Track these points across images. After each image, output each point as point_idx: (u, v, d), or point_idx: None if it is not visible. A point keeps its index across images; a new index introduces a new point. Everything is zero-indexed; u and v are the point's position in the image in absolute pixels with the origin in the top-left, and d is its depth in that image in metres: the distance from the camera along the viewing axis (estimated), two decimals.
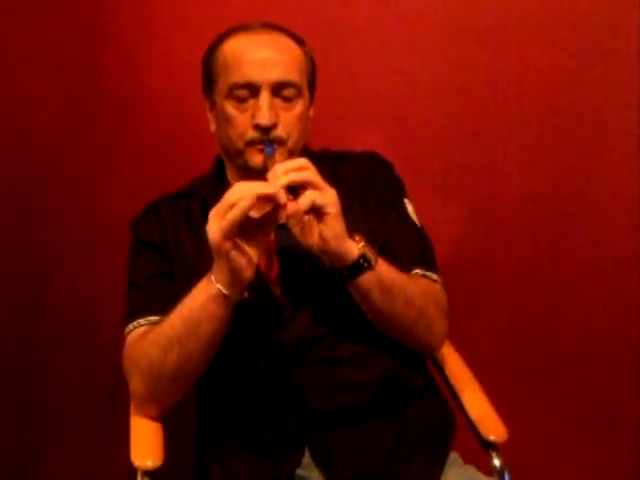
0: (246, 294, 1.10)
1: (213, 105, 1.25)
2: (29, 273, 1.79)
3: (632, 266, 1.70)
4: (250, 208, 1.01)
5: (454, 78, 1.68)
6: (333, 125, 1.60)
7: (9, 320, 1.80)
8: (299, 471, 1.17)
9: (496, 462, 1.22)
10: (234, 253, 1.03)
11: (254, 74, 1.16)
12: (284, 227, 1.04)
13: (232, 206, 1.00)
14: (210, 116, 1.27)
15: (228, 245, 1.02)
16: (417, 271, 1.24)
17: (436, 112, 1.70)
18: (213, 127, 1.26)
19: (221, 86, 1.21)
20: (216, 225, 1.01)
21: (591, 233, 1.72)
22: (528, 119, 1.69)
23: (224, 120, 1.20)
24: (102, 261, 1.74)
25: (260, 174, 1.10)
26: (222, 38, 1.23)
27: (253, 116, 1.17)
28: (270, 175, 1.05)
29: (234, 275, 1.05)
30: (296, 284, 1.20)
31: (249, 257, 1.05)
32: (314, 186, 1.05)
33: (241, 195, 1.00)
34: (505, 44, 1.67)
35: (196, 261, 1.18)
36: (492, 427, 1.24)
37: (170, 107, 1.70)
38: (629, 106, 1.65)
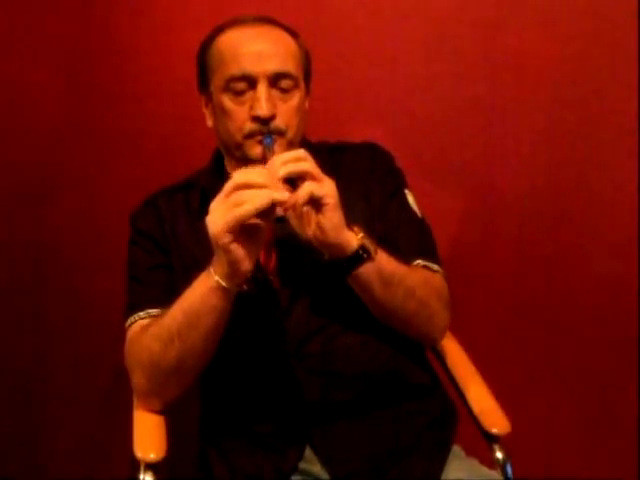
0: (245, 287, 1.10)
1: (209, 100, 1.25)
2: (29, 268, 1.80)
3: (631, 258, 1.69)
4: (263, 209, 0.99)
5: (454, 71, 1.68)
6: (333, 118, 1.61)
7: (10, 315, 1.81)
8: (302, 464, 1.17)
9: (498, 455, 1.22)
10: (233, 246, 1.03)
11: (251, 66, 1.16)
12: (282, 219, 1.04)
13: (238, 202, 0.99)
14: (206, 112, 1.27)
15: (228, 238, 1.02)
16: (418, 262, 1.23)
17: (436, 105, 1.70)
18: (210, 123, 1.26)
19: (217, 80, 1.20)
20: (220, 218, 1.01)
21: (590, 225, 1.71)
22: (527, 112, 1.68)
23: (222, 114, 1.20)
24: (102, 256, 1.75)
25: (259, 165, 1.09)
26: (216, 33, 1.23)
27: (251, 108, 1.17)
28: (268, 167, 1.05)
29: (233, 268, 1.05)
30: (294, 275, 1.20)
31: (248, 250, 1.04)
32: (312, 177, 1.04)
33: (252, 195, 0.99)
34: (506, 36, 1.66)
35: (195, 252, 1.19)
36: (494, 420, 1.23)
37: (169, 101, 1.71)
38: (629, 99, 1.64)
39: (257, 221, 1.01)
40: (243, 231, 1.03)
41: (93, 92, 1.74)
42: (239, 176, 1.02)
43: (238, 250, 1.03)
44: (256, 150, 1.18)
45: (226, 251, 1.03)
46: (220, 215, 1.01)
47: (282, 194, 1.00)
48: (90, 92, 1.74)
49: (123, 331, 1.23)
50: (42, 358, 1.82)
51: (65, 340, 1.81)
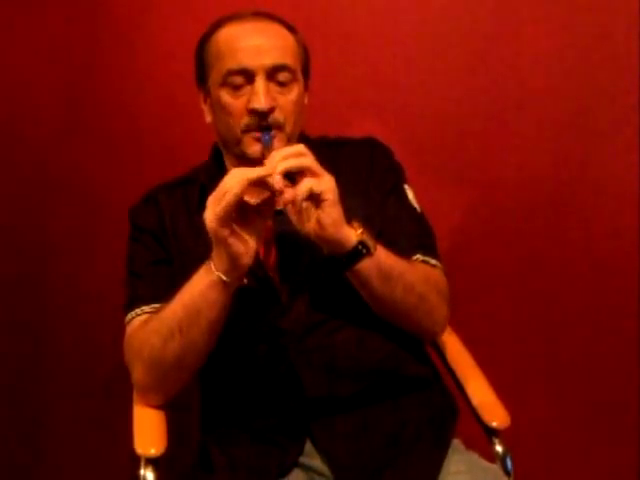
0: (245, 281, 1.10)
1: (207, 96, 1.25)
2: (29, 266, 1.80)
3: (632, 250, 1.70)
4: (242, 193, 1.01)
5: (454, 64, 1.68)
6: (333, 113, 1.61)
7: (10, 313, 1.82)
8: (302, 459, 1.17)
9: (498, 448, 1.22)
10: (232, 240, 1.04)
11: (248, 60, 1.17)
12: (281, 213, 1.04)
13: (224, 192, 1.01)
14: (205, 108, 1.27)
15: (225, 232, 1.03)
16: (417, 256, 1.23)
17: (436, 99, 1.70)
18: (209, 119, 1.26)
19: (215, 75, 1.21)
20: (211, 212, 1.02)
21: (593, 218, 1.71)
22: (528, 104, 1.68)
23: (220, 109, 1.20)
24: (102, 252, 1.75)
25: (258, 163, 1.10)
26: (214, 28, 1.23)
27: (249, 101, 1.17)
28: (268, 162, 1.05)
29: (233, 262, 1.06)
30: (294, 271, 1.20)
31: (247, 244, 1.06)
32: (312, 172, 1.05)
33: (231, 181, 1.01)
34: (505, 30, 1.67)
35: (194, 247, 1.19)
36: (494, 413, 1.24)
37: (169, 98, 1.71)
38: (629, 90, 1.65)
39: (251, 201, 1.03)
40: (241, 225, 1.04)
41: (92, 88, 1.74)
42: (235, 173, 1.03)
43: (237, 244, 1.05)
44: (254, 147, 1.18)
45: (225, 245, 1.04)
46: (211, 209, 1.02)
47: (258, 170, 1.02)
48: (89, 88, 1.74)
49: (122, 327, 1.23)
50: (42, 354, 1.82)
51: (65, 336, 1.81)
